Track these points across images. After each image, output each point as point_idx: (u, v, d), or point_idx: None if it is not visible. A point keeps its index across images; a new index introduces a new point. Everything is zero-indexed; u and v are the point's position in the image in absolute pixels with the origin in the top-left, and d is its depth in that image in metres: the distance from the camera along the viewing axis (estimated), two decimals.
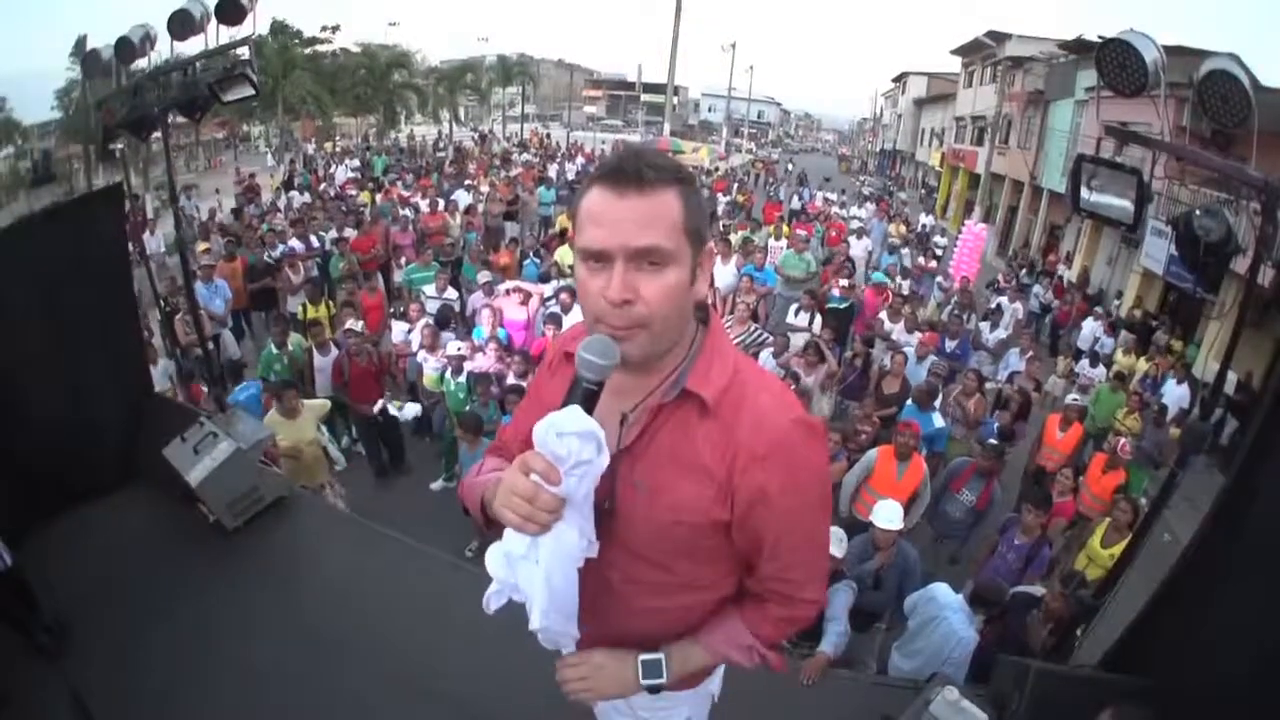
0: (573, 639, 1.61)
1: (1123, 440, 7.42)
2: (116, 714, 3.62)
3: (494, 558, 1.47)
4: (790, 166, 41.10)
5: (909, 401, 7.58)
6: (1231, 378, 7.90)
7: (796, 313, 10.42)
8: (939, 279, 14.41)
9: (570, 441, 1.29)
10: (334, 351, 8.20)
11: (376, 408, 7.73)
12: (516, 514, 1.33)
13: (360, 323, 8.27)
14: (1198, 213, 3.90)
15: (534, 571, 1.42)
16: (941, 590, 4.73)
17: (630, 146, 1.54)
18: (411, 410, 8.07)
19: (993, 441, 6.91)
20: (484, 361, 7.92)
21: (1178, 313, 15.60)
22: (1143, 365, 11.29)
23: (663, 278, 1.34)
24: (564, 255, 11.91)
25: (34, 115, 25.08)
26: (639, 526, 1.52)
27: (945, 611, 4.54)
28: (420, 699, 3.86)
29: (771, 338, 9.09)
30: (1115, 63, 4.05)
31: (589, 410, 1.34)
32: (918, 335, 9.80)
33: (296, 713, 3.77)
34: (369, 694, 3.87)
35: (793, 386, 7.18)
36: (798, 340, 9.37)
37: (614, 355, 1.35)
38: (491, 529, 1.59)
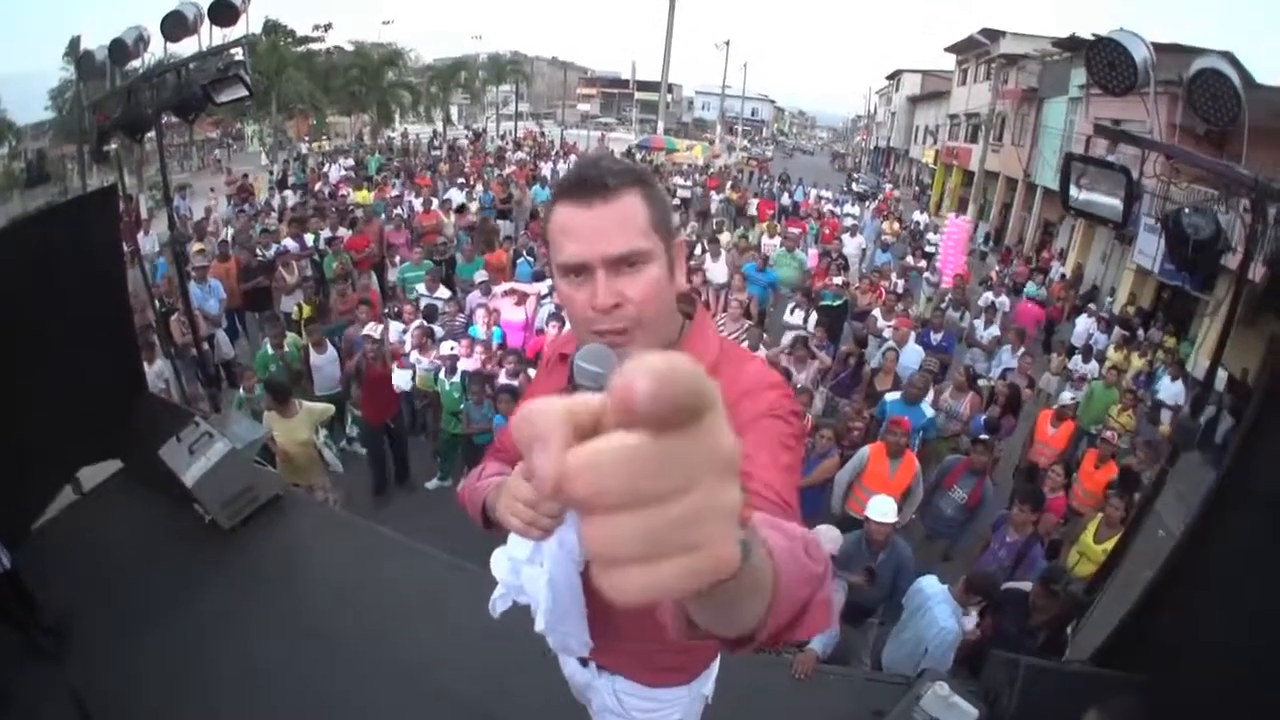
0: (584, 644, 1.62)
1: (1110, 431, 7.47)
2: (115, 712, 3.64)
3: (498, 562, 1.48)
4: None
5: (894, 397, 7.56)
6: (1222, 375, 7.94)
7: (792, 310, 10.46)
8: (927, 274, 14.41)
9: None
10: (331, 350, 8.21)
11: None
12: (520, 519, 1.32)
13: (380, 327, 8.25)
14: (1186, 210, 3.92)
15: (538, 575, 1.43)
16: (928, 582, 4.76)
17: (586, 156, 1.56)
18: None
19: (984, 437, 6.95)
20: (468, 364, 7.95)
21: (1171, 309, 15.65)
22: (1136, 362, 11.33)
23: (644, 276, 1.37)
24: None
25: (27, 115, 25.04)
26: None
27: (930, 602, 4.57)
28: (415, 695, 3.88)
29: (748, 331, 9.13)
30: (1105, 62, 4.07)
31: None
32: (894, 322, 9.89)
33: (293, 710, 3.78)
34: (364, 691, 3.89)
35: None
36: (785, 337, 9.41)
37: (611, 364, 1.34)
38: (492, 531, 1.61)
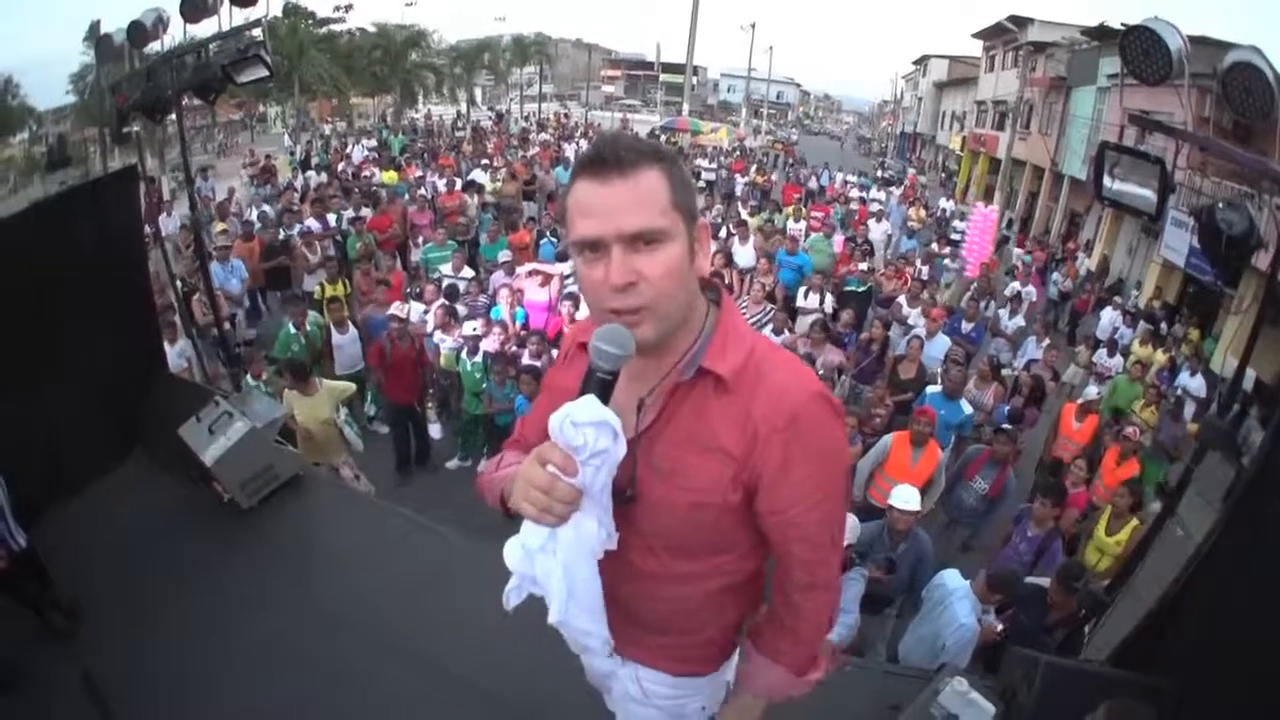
0: (604, 641, 1.62)
1: (1131, 427, 7.38)
2: (129, 693, 3.66)
3: (511, 551, 1.46)
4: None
5: (935, 390, 7.52)
6: (1250, 374, 7.79)
7: (806, 295, 10.41)
8: (948, 261, 14.23)
9: (586, 431, 1.28)
10: (352, 330, 8.23)
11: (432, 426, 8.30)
12: (534, 506, 1.32)
13: (406, 306, 8.24)
14: (1221, 205, 3.84)
15: (552, 564, 1.41)
16: (950, 576, 4.71)
17: (605, 134, 1.50)
18: (435, 430, 8.55)
19: (1006, 426, 6.88)
20: (488, 344, 7.96)
21: (1196, 305, 15.42)
22: (1160, 357, 11.18)
23: (661, 255, 1.32)
24: None
25: (48, 100, 25.25)
26: (660, 511, 1.51)
27: (951, 598, 4.52)
28: (432, 677, 3.88)
29: (774, 315, 9.10)
30: (1140, 50, 4.00)
31: (604, 399, 1.32)
32: (922, 311, 9.82)
33: (309, 691, 3.79)
34: (381, 671, 3.89)
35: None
36: (801, 322, 9.34)
37: (629, 344, 1.33)
38: (514, 519, 1.61)
